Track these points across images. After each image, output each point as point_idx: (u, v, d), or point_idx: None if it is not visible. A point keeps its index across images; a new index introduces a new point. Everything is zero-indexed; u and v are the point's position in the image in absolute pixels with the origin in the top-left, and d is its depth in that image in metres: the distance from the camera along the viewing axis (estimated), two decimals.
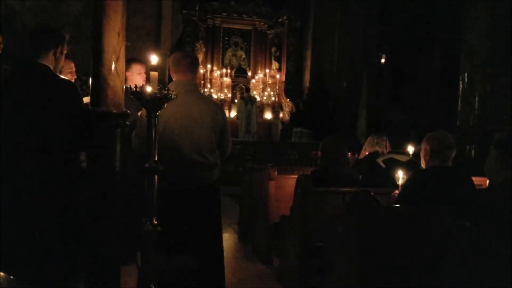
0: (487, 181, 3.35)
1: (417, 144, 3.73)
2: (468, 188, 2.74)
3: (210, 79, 12.56)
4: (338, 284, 2.70)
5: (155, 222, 1.93)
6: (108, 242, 2.14)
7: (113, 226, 2.19)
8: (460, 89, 7.78)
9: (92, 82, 2.12)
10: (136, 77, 3.33)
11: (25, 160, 2.11)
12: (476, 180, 2.97)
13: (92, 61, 2.09)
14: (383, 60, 11.54)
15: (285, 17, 12.62)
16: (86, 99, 2.48)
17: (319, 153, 3.54)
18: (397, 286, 2.23)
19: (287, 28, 12.67)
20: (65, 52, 2.36)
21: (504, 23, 7.05)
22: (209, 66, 12.56)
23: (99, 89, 2.08)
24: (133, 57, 3.49)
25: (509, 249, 1.62)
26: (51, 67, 2.27)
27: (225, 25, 12.85)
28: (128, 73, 3.30)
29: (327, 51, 11.63)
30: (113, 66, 2.06)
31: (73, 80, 3.38)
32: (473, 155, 7.20)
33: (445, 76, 9.75)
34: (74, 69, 3.53)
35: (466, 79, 7.67)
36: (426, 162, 2.81)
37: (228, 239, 4.79)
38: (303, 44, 12.63)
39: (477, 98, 7.47)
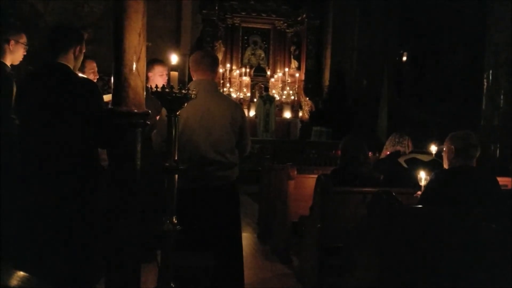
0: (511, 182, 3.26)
1: (439, 143, 3.65)
2: (493, 189, 2.67)
3: (229, 78, 12.59)
4: (358, 284, 2.67)
5: (175, 221, 1.94)
6: (128, 240, 2.16)
7: (133, 224, 2.21)
8: (485, 87, 7.60)
9: (113, 82, 2.14)
10: (158, 78, 3.36)
11: (45, 158, 2.15)
12: (501, 180, 2.90)
13: (113, 61, 2.10)
14: (404, 58, 11.35)
15: (304, 15, 12.54)
16: (107, 97, 2.51)
17: (339, 152, 3.50)
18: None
19: (306, 26, 12.60)
20: (84, 51, 2.40)
21: None
22: (228, 65, 12.59)
23: (121, 89, 2.09)
24: (155, 58, 3.53)
25: None
26: (71, 66, 2.31)
27: (244, 24, 12.86)
28: (150, 74, 3.34)
29: (346, 49, 11.52)
30: (134, 66, 2.07)
31: (95, 80, 3.44)
32: (497, 155, 7.03)
33: (469, 74, 9.53)
34: (96, 69, 3.58)
35: (490, 77, 7.49)
36: (450, 162, 2.75)
37: (247, 238, 4.79)
38: (323, 42, 12.53)
39: (502, 96, 7.29)
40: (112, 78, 2.19)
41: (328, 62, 12.26)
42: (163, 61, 3.48)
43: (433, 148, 3.69)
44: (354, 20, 11.14)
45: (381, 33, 10.63)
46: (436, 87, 10.37)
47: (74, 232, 2.17)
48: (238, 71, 12.71)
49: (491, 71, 7.46)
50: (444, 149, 2.86)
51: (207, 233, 2.50)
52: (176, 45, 6.04)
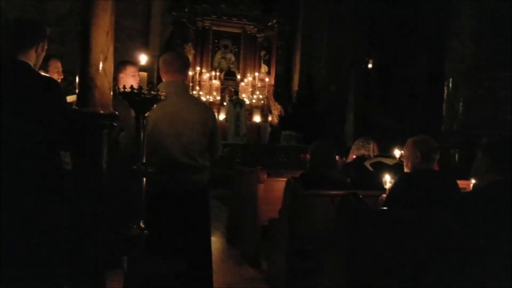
0: (471, 184, 3.39)
1: (403, 148, 3.76)
2: (454, 191, 2.78)
3: (199, 82, 12.51)
4: (327, 287, 2.69)
5: (142, 226, 1.90)
6: (93, 246, 2.09)
7: (98, 229, 2.15)
8: (445, 94, 7.90)
9: (79, 81, 2.07)
10: (130, 79, 3.29)
11: (3, 160, 2.05)
12: (460, 183, 3.01)
13: (79, 61, 2.04)
14: (370, 65, 11.64)
15: (274, 21, 12.65)
16: (72, 98, 2.43)
17: (308, 156, 3.54)
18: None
19: (277, 31, 12.70)
20: (46, 47, 2.26)
21: (488, 30, 7.17)
22: (198, 68, 12.51)
23: (86, 89, 2.03)
24: (127, 60, 3.45)
25: (496, 250, 1.63)
26: (32, 64, 2.17)
27: (214, 28, 12.82)
28: (121, 75, 3.26)
29: (316, 55, 11.70)
30: (100, 65, 2.02)
31: (59, 80, 3.32)
32: (456, 158, 7.30)
33: (431, 82, 9.88)
34: (60, 68, 3.47)
35: (450, 85, 7.79)
36: (414, 165, 2.83)
37: (216, 242, 4.75)
38: (293, 48, 12.67)
39: (461, 103, 7.59)
40: (77, 78, 2.12)
41: (297, 67, 12.41)
42: (135, 62, 3.41)
43: (397, 152, 3.80)
44: (323, 27, 11.33)
45: (349, 41, 10.87)
46: (400, 94, 10.68)
47: (34, 236, 2.07)
48: (208, 74, 12.65)
49: (451, 79, 7.77)
50: (405, 153, 2.94)
51: (175, 237, 2.46)
52: (145, 47, 5.94)
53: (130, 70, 3.34)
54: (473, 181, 3.43)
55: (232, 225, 5.04)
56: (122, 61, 3.30)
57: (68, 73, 3.67)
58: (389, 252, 2.29)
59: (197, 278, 2.57)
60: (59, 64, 3.43)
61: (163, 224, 2.36)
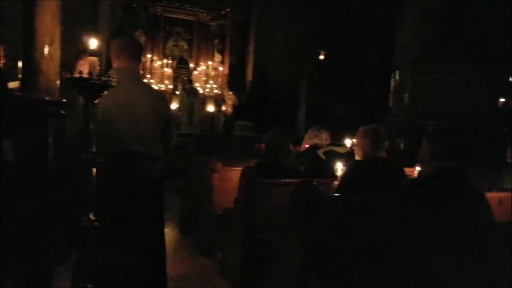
0: (415, 172, 3.57)
1: (353, 136, 3.88)
2: (401, 178, 2.91)
3: (150, 70, 12.20)
4: (282, 274, 2.74)
5: (93, 218, 1.83)
6: (39, 239, 2.00)
7: (45, 222, 2.05)
8: (392, 85, 8.21)
9: (22, 66, 1.95)
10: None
11: None
12: (406, 170, 3.15)
13: (23, 44, 1.92)
14: (322, 57, 11.85)
15: (228, 9, 12.54)
16: (13, 84, 2.28)
17: (263, 145, 3.56)
18: (340, 274, 2.30)
19: (230, 20, 12.61)
20: None
21: (433, 24, 7.51)
22: (149, 55, 12.19)
23: (30, 74, 1.92)
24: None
25: (441, 235, 1.72)
26: None
27: (166, 14, 12.52)
28: (82, 62, 3.09)
29: (269, 45, 11.73)
30: (46, 49, 1.91)
31: (0, 65, 3.12)
32: (402, 147, 7.64)
33: (379, 73, 10.22)
34: (2, 52, 3.25)
35: (397, 76, 8.11)
36: (364, 153, 2.93)
37: (169, 233, 4.68)
38: (246, 37, 12.64)
39: (407, 94, 7.93)
40: (19, 63, 2.00)
41: (251, 57, 12.40)
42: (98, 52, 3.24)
43: (348, 141, 3.92)
44: (277, 17, 11.37)
45: (302, 32, 10.99)
46: (350, 85, 10.98)
47: None
48: (159, 62, 12.36)
49: (398, 71, 8.08)
50: (356, 142, 3.04)
51: (128, 229, 2.39)
52: (94, 32, 5.69)
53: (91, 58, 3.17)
54: (417, 168, 3.61)
55: (186, 215, 4.99)
56: (85, 49, 3.13)
57: (10, 58, 3.44)
58: (342, 237, 2.36)
59: (150, 270, 2.53)
60: (0, 48, 3.21)
61: (116, 215, 2.28)
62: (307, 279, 2.51)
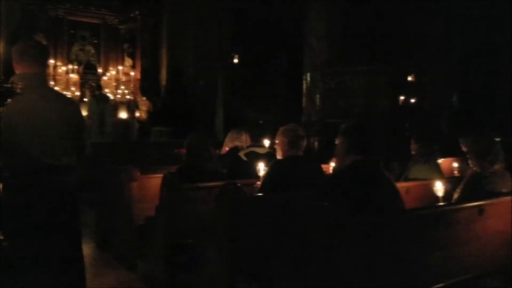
0: (330, 168, 3.78)
1: (272, 137, 4.00)
2: (319, 173, 3.06)
3: (54, 76, 11.38)
4: (210, 278, 2.72)
5: (1, 237, 1.66)
6: None
7: None
8: (304, 87, 8.61)
9: None
10: None
11: None
12: (322, 166, 3.33)
13: None
14: (236, 61, 12.02)
15: (137, 12, 12.15)
16: None
17: (184, 150, 3.51)
18: (268, 274, 2.35)
19: (140, 24, 12.23)
20: None
21: (338, 28, 8.03)
22: (52, 61, 11.36)
23: None
24: None
25: (360, 223, 1.84)
26: None
27: (70, 17, 11.77)
28: None
29: (183, 49, 11.60)
30: None
31: None
32: (316, 146, 8.05)
33: (292, 76, 10.65)
34: None
35: (308, 78, 8.52)
36: (284, 152, 3.03)
37: (86, 248, 4.40)
38: (158, 41, 12.35)
39: (318, 96, 8.37)
40: None
41: (164, 61, 12.15)
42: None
43: (267, 142, 4.03)
44: (189, 21, 11.29)
45: (216, 35, 11.05)
46: (265, 88, 11.29)
47: None
48: (64, 68, 11.59)
49: (309, 74, 8.50)
50: (277, 141, 3.14)
51: (44, 247, 2.20)
52: None
53: None
54: (332, 164, 3.82)
55: (102, 228, 4.74)
56: None
57: None
58: (268, 235, 2.42)
59: None
60: None
61: (27, 233, 2.09)
62: (235, 281, 2.52)
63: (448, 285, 2.11)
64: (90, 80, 11.87)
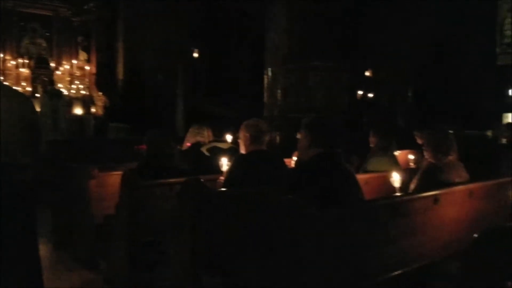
0: (292, 162, 3.83)
1: (234, 132, 3.99)
2: (282, 168, 3.08)
3: (3, 71, 10.81)
4: (173, 275, 2.69)
5: None
6: None
7: None
8: (266, 82, 8.66)
9: None
10: None
11: None
12: (285, 161, 3.36)
13: None
14: (196, 55, 11.89)
15: (91, 4, 11.73)
16: None
17: (145, 146, 3.44)
18: (232, 267, 2.35)
19: (96, 16, 11.82)
20: None
21: (299, 24, 8.12)
22: (1, 55, 10.78)
23: None
24: None
25: (322, 216, 1.88)
26: None
27: (20, 9, 11.19)
28: None
29: (140, 42, 11.33)
30: None
31: None
32: (278, 141, 8.12)
33: (253, 71, 10.68)
34: None
35: (270, 73, 8.57)
36: (247, 147, 3.03)
37: (43, 249, 4.23)
38: (115, 34, 11.99)
39: (279, 91, 8.44)
40: None
41: (121, 55, 11.82)
42: None
43: (229, 137, 4.01)
44: (146, 14, 11.03)
45: (174, 29, 10.86)
46: (226, 83, 11.25)
47: None
48: (14, 62, 11.03)
49: (270, 69, 8.54)
50: (240, 136, 3.14)
51: None
52: None
53: None
54: (294, 158, 3.87)
55: (60, 228, 4.57)
56: None
57: None
58: (232, 230, 2.41)
59: None
60: None
61: None
62: (199, 278, 2.51)
63: (407, 272, 2.19)
64: (42, 75, 11.38)
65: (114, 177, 3.60)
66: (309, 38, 7.80)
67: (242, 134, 3.06)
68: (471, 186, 2.71)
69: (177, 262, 2.60)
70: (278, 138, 8.24)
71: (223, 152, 3.50)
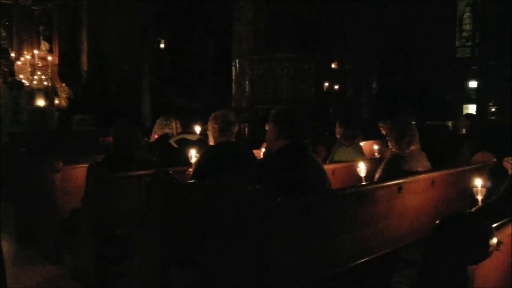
0: (261, 152, 3.86)
1: (203, 123, 3.97)
2: (250, 159, 3.09)
3: None
4: (141, 268, 2.67)
5: None
6: None
7: None
8: (233, 74, 8.64)
9: None
10: None
11: None
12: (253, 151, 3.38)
13: None
14: (162, 45, 11.69)
15: None
16: None
17: (111, 138, 3.37)
18: (201, 258, 2.35)
19: (57, 5, 11.40)
20: None
21: (264, 15, 8.13)
22: None
23: None
24: None
25: (290, 205, 1.91)
26: None
27: None
28: None
29: (104, 32, 11.03)
30: None
31: None
32: (246, 132, 8.15)
33: (220, 62, 10.61)
34: None
35: (237, 65, 8.55)
36: (215, 139, 3.02)
37: (5, 245, 4.09)
38: (78, 23, 11.60)
39: (247, 82, 8.44)
40: None
41: (84, 46, 11.47)
42: None
43: (197, 128, 3.99)
44: (111, 2, 10.73)
45: (139, 19, 10.63)
46: (192, 75, 11.13)
47: None
48: None
49: (237, 60, 8.52)
50: (208, 128, 3.12)
51: None
52: None
53: None
54: (263, 149, 3.89)
55: (22, 223, 4.43)
56: None
57: None
58: (201, 221, 2.41)
59: None
60: None
61: None
62: (168, 270, 2.50)
63: (373, 259, 2.27)
64: (2, 65, 10.91)
65: (80, 170, 3.52)
66: (275, 29, 7.83)
67: (210, 125, 3.05)
68: (433, 174, 2.82)
69: (147, 252, 2.58)
70: (246, 129, 8.27)
71: (191, 144, 3.48)
